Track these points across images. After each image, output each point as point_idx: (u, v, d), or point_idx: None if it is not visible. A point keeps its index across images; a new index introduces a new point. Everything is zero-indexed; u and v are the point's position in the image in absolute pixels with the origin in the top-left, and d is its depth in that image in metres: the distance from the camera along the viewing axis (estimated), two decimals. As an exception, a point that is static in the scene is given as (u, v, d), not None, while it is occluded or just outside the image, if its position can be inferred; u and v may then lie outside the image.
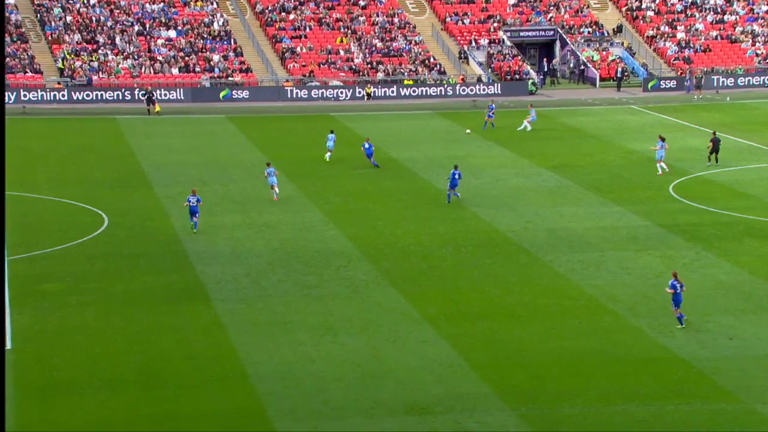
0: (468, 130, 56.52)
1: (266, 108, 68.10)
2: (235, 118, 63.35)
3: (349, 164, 49.74)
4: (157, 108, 64.23)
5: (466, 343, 26.63)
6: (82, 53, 72.31)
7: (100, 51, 72.77)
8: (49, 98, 67.04)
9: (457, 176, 41.01)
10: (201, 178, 46.06)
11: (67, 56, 71.55)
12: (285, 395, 23.47)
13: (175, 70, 72.87)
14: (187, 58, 73.86)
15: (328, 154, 49.34)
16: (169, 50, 74.48)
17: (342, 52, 77.47)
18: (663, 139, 46.73)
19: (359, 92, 72.35)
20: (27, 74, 69.32)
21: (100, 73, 70.81)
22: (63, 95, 67.57)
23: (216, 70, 73.51)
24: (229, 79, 72.66)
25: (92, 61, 71.54)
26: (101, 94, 68.20)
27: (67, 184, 43.95)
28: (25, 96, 66.62)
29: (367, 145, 48.22)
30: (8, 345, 25.59)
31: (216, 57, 74.52)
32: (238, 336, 26.93)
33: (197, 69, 73.33)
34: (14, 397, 22.73)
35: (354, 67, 75.88)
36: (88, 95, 67.78)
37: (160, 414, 22.46)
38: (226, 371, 24.72)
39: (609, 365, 25.26)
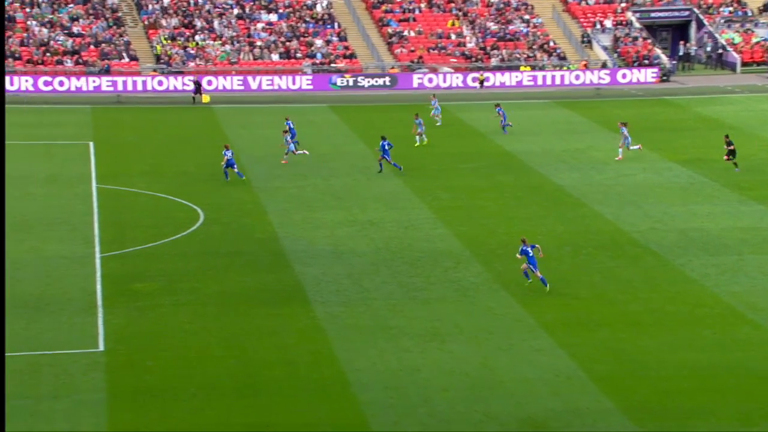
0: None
1: (371, 96, 68.51)
2: (337, 108, 63.91)
3: (459, 158, 49.63)
4: (205, 98, 64.77)
5: (586, 353, 26.26)
6: (178, 38, 73.97)
7: (197, 36, 74.33)
8: (144, 86, 68.84)
9: (387, 147, 44.44)
10: (300, 171, 46.63)
11: (164, 42, 73.33)
12: (388, 406, 23.55)
13: (275, 56, 73.93)
14: (287, 44, 74.84)
15: (418, 137, 49.93)
16: (270, 35, 75.61)
17: (453, 36, 77.33)
18: None
19: (471, 79, 72.09)
20: (123, 61, 71.31)
21: (197, 59, 72.32)
22: (160, 83, 69.23)
23: (318, 56, 74.29)
24: (332, 65, 73.33)
25: (189, 46, 73.10)
26: (210, 81, 69.53)
27: (162, 178, 45.04)
28: (120, 84, 68.49)
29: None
30: (100, 346, 26.38)
31: (318, 42, 75.31)
32: (339, 341, 27.13)
33: (298, 55, 74.24)
34: (106, 401, 23.44)
35: (466, 52, 75.66)
36: (185, 84, 69.27)
37: (255, 423, 22.80)
38: (325, 379, 24.93)
39: (747, 381, 24.57)
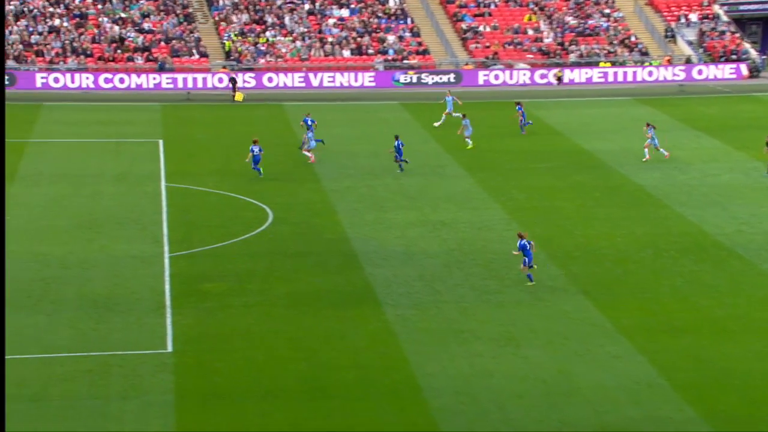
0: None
1: (444, 94, 68.31)
2: (409, 105, 63.90)
3: (535, 157, 49.30)
4: (239, 96, 64.82)
5: (668, 360, 25.88)
6: (249, 34, 74.64)
7: (268, 32, 74.92)
8: (214, 83, 69.58)
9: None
10: (371, 170, 46.72)
11: (233, 38, 74.06)
12: (460, 412, 23.47)
13: (346, 53, 74.20)
14: (359, 40, 75.05)
15: (469, 141, 49.70)
16: (341, 31, 75.91)
17: (530, 31, 76.82)
18: None
19: (548, 76, 71.56)
20: (193, 57, 72.19)
21: (267, 56, 72.91)
22: (220, 80, 69.81)
23: (390, 52, 74.38)
24: (405, 61, 73.36)
25: (259, 43, 73.72)
26: (270, 78, 70.17)
27: (231, 176, 45.47)
28: (189, 81, 69.34)
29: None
30: (169, 347, 26.73)
31: (391, 38, 75.39)
32: (410, 345, 27.12)
33: (370, 51, 74.40)
34: (174, 403, 23.73)
35: (543, 48, 75.11)
36: (254, 80, 69.88)
37: (325, 428, 22.89)
38: (396, 383, 24.93)
39: (838, 393, 23.97)
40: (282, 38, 74.64)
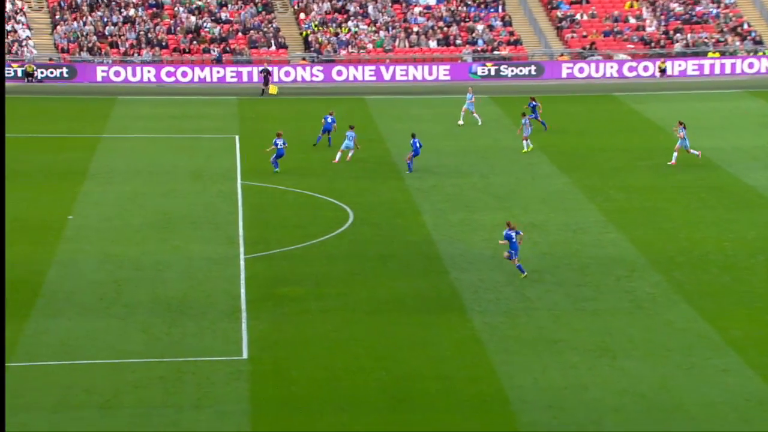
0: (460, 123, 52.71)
1: (537, 87, 67.94)
2: (499, 99, 63.64)
3: (634, 154, 48.74)
4: (273, 89, 64.78)
5: (779, 377, 25.35)
6: (330, 24, 75.07)
7: (350, 22, 75.28)
8: (294, 75, 70.12)
9: (418, 145, 44.35)
10: (457, 168, 46.64)
11: (314, 28, 74.57)
12: (552, 427, 23.30)
13: (432, 43, 74.18)
14: (447, 29, 74.97)
15: (525, 143, 48.07)
16: (427, 20, 75.90)
17: (632, 20, 75.89)
18: None
19: (651, 67, 70.63)
20: (271, 49, 72.88)
21: (350, 47, 73.26)
22: (313, 73, 70.33)
23: (479, 42, 74.16)
24: (495, 53, 73.09)
25: (340, 33, 74.10)
26: (352, 71, 70.50)
27: (310, 174, 45.76)
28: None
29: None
30: (244, 354, 27.00)
31: (480, 27, 75.16)
32: (498, 354, 27.01)
33: (458, 42, 74.27)
34: (249, 412, 23.97)
35: (646, 37, 74.13)
36: (339, 72, 70.23)
37: (406, 441, 22.92)
38: (483, 395, 24.85)
39: None
40: (365, 28, 74.90)
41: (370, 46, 73.39)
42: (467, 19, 75.93)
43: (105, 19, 73.51)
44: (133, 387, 25.15)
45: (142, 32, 72.70)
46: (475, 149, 49.64)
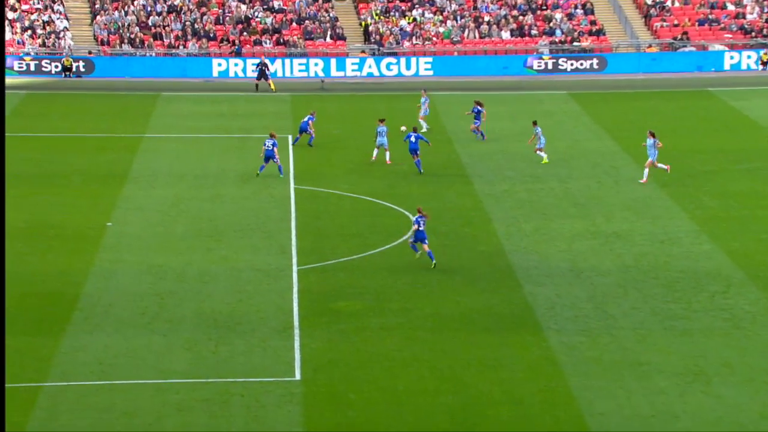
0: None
1: (620, 82, 67.49)
2: (578, 95, 63.30)
3: (732, 157, 48.24)
4: (272, 85, 64.68)
5: None
6: (392, 13, 75.18)
7: (414, 11, 75.34)
8: (351, 69, 70.35)
9: (413, 138, 44.53)
10: (532, 172, 46.46)
11: (375, 17, 74.75)
12: (636, 460, 23.10)
13: (505, 34, 73.99)
14: (521, 18, 74.74)
15: (542, 153, 47.07)
16: (500, 8, 75.75)
17: (730, 6, 75.07)
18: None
19: (751, 59, 69.81)
20: (327, 41, 73.19)
21: (414, 38, 73.32)
22: (374, 66, 70.50)
23: (557, 33, 73.82)
24: (575, 44, 72.71)
25: (404, 23, 74.17)
26: (414, 64, 70.54)
27: (369, 178, 45.85)
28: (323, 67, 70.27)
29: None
30: (297, 375, 27.09)
31: (558, 16, 74.82)
32: (577, 378, 26.84)
33: (533, 32, 74.00)
34: (301, 439, 24.07)
35: (746, 25, 73.28)
36: (402, 66, 70.29)
37: (474, 473, 22.83)
38: (560, 423, 24.70)
39: None
40: (431, 17, 74.92)
41: (435, 38, 73.38)
42: (544, 7, 75.62)
43: (148, 9, 74.29)
44: (176, 410, 25.33)
45: (188, 23, 73.38)
46: (553, 151, 49.36)
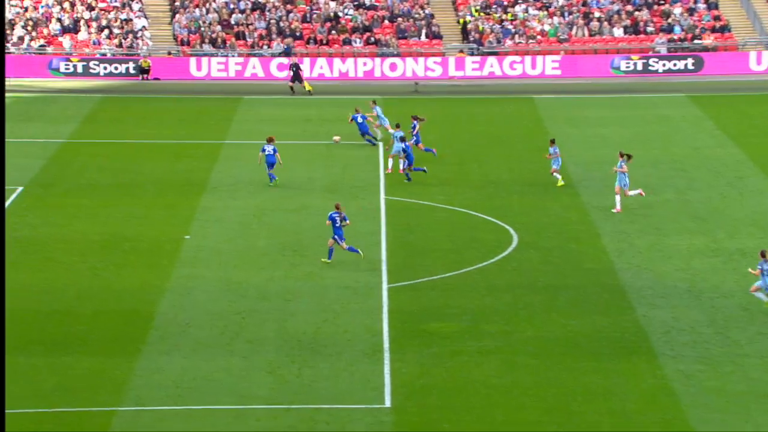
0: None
1: (746, 83, 66.53)
2: (700, 98, 62.57)
3: None
4: (307, 86, 64.65)
5: None
6: (494, 9, 75.01)
7: (517, 6, 75.10)
8: (447, 71, 70.32)
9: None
10: (647, 181, 45.97)
11: (474, 14, 74.68)
12: (761, 502, 22.66)
13: (618, 31, 73.40)
14: (636, 14, 74.08)
15: (557, 175, 45.64)
16: (612, 3, 75.17)
17: None
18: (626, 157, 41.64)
19: None
20: (422, 39, 73.25)
21: (517, 36, 73.11)
22: (472, 67, 70.39)
23: (677, 29, 73.03)
24: (696, 41, 71.88)
25: (506, 20, 73.98)
26: (518, 65, 70.35)
27: (466, 188, 45.75)
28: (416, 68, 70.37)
29: (360, 118, 46.83)
30: (387, 402, 27.05)
31: (677, 11, 74.03)
32: (696, 410, 26.48)
33: (649, 29, 73.31)
34: (391, 472, 24.04)
35: None
36: (502, 67, 70.12)
37: None
38: (675, 460, 24.40)
39: None
40: (536, 14, 74.62)
41: (550, 34, 73.05)
42: (662, 2, 74.84)
43: (231, 6, 75.05)
44: (256, 438, 25.50)
45: (273, 21, 73.98)
46: (670, 159, 48.87)
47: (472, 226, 41.03)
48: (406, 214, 42.38)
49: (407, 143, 46.46)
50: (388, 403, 27.02)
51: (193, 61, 70.50)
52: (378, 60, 71.02)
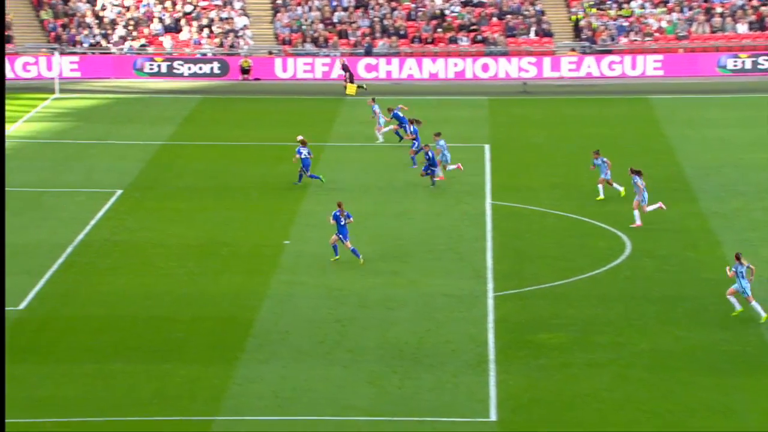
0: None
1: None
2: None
3: None
4: (350, 89, 64.21)
5: None
6: (607, 5, 74.36)
7: (633, 2, 74.37)
8: (558, 70, 69.91)
9: (306, 153, 45.68)
10: (768, 187, 45.49)
11: (587, 10, 74.13)
12: None
13: (742, 27, 72.33)
14: (762, 9, 72.91)
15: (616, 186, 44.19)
16: (736, -3, 74.12)
17: None
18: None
19: None
20: (532, 37, 72.89)
21: (632, 33, 72.43)
22: (584, 66, 69.90)
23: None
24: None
25: (621, 16, 73.32)
26: (633, 64, 69.69)
27: (576, 193, 45.41)
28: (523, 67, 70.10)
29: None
30: (492, 416, 26.97)
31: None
32: (819, 429, 26.02)
33: (775, 25, 72.14)
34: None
35: None
36: (617, 65, 69.54)
37: None
38: (798, 481, 23.97)
39: None
40: (653, 10, 73.85)
41: (667, 32, 72.26)
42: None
43: (333, 4, 75.35)
44: (356, 451, 25.59)
45: (376, 18, 74.18)
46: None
47: (582, 232, 40.74)
48: (513, 219, 42.21)
49: (433, 152, 45.76)
50: (493, 417, 26.96)
51: (291, 61, 70.86)
52: (485, 59, 70.75)
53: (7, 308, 33.24)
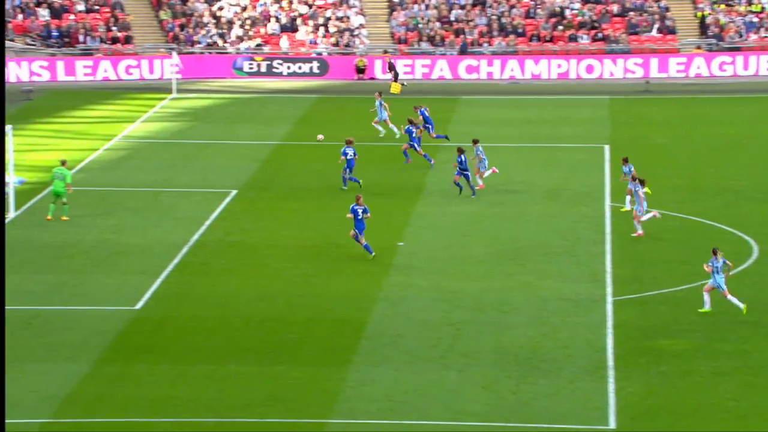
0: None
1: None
2: None
3: None
4: (394, 88, 63.67)
5: None
6: (736, 1, 73.31)
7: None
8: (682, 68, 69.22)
9: (352, 154, 45.43)
10: None
11: (714, 7, 73.21)
12: None
13: None
14: None
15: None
16: None
17: None
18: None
19: None
20: (654, 35, 72.12)
21: (762, 29, 71.37)
22: (712, 65, 69.13)
23: None
24: None
25: (752, 12, 72.31)
26: (756, 61, 68.83)
27: (700, 195, 45.00)
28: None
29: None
30: (611, 424, 26.76)
31: None
32: None
33: None
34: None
35: None
36: (747, 64, 68.66)
37: None
38: None
39: None
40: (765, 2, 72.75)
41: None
42: None
43: (451, 1, 75.31)
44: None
45: (494, 16, 73.99)
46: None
47: (706, 236, 40.22)
48: (633, 222, 41.79)
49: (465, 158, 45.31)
50: (612, 425, 26.76)
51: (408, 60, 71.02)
52: (606, 58, 70.19)
53: (123, 308, 33.92)
